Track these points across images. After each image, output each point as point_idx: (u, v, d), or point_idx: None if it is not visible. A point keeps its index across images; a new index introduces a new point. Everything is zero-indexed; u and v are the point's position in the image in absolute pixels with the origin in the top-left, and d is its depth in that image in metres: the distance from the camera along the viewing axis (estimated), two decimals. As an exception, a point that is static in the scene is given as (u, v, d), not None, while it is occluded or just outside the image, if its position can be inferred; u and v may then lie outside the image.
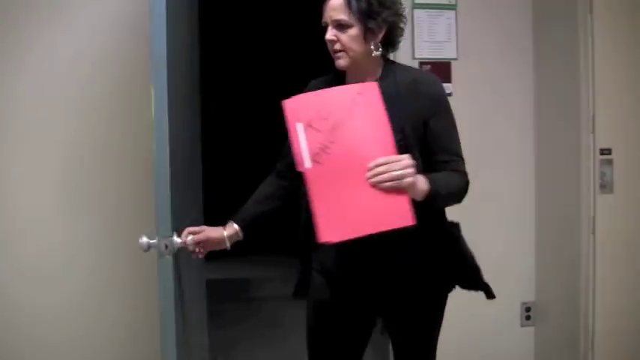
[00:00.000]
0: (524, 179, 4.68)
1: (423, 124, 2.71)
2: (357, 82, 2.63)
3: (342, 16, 2.71)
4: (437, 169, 2.68)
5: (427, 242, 2.78)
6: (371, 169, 2.39)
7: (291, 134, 2.44)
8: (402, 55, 4.20)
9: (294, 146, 2.44)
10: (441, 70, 4.41)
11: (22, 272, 4.07)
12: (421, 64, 4.38)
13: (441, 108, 2.76)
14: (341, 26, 2.71)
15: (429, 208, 2.57)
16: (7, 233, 4.03)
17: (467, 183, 2.73)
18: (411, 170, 2.41)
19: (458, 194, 2.71)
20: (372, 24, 2.70)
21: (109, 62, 4.04)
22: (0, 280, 4.05)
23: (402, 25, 2.81)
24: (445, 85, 4.40)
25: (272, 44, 8.89)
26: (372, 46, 2.74)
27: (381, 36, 2.75)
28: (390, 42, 2.81)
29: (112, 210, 4.10)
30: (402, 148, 2.51)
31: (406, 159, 2.41)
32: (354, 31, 2.71)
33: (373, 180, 2.38)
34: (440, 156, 2.72)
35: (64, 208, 4.10)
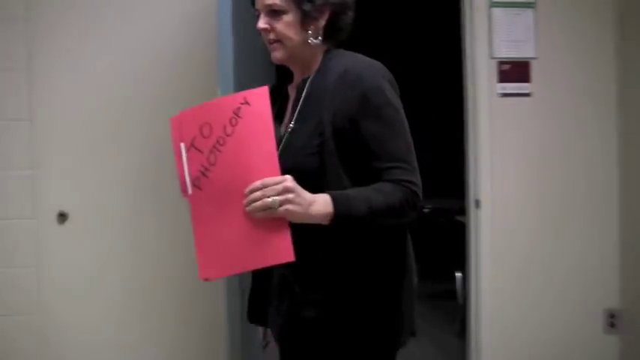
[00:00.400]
0: (605, 179, 4.54)
1: (352, 124, 2.19)
2: (299, 78, 2.37)
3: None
4: (379, 179, 2.15)
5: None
6: (246, 195, 2.03)
7: (175, 156, 2.12)
8: (479, 54, 4.13)
9: (178, 170, 2.12)
10: (520, 69, 4.33)
11: (85, 275, 4.14)
12: (500, 63, 4.30)
13: (372, 105, 2.20)
14: (274, 12, 2.32)
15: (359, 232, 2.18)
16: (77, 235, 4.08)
17: (408, 195, 2.14)
18: (289, 195, 2.03)
19: (389, 211, 2.13)
20: (309, 7, 2.30)
21: (182, 63, 4.06)
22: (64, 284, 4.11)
23: (349, 11, 2.38)
24: (522, 84, 4.36)
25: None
26: (309, 33, 2.32)
27: (323, 22, 2.34)
28: (334, 28, 2.37)
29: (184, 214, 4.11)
30: (315, 157, 2.19)
31: (285, 181, 2.03)
32: (289, 17, 2.32)
33: (248, 208, 2.02)
34: (376, 163, 2.17)
35: (137, 210, 4.14)
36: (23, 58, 4.06)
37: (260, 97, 2.07)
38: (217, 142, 2.08)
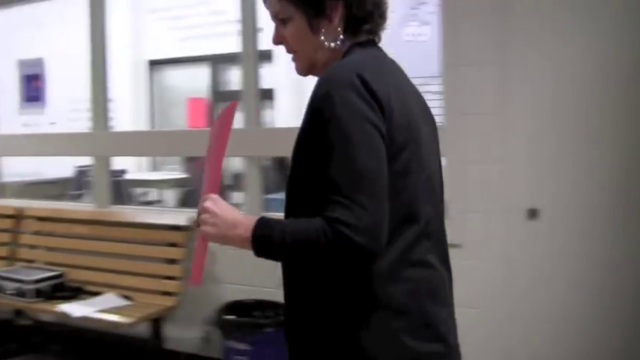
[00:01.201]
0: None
1: (308, 142, 1.86)
2: None
3: (277, 6, 2.04)
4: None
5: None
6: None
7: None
8: None
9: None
10: None
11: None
12: None
13: (316, 117, 1.82)
14: (282, 21, 2.05)
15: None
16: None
17: (325, 238, 1.70)
18: (204, 215, 1.91)
19: (301, 247, 1.75)
20: (314, 6, 1.99)
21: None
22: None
23: None
24: None
25: None
26: (321, 37, 2.01)
27: (336, 19, 2.00)
28: (352, 21, 2.01)
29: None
30: (287, 182, 1.95)
31: (204, 201, 1.93)
32: (296, 22, 2.02)
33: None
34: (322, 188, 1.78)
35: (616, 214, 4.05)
36: (495, 52, 4.19)
37: (228, 112, 2.05)
38: (207, 152, 2.08)
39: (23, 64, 6.83)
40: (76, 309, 5.03)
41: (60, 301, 5.22)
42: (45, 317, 5.89)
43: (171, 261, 5.29)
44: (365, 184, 1.73)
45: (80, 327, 5.53)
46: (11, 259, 6.09)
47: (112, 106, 6.08)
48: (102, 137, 6.00)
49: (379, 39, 2.10)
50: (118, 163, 8.08)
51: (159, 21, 10.17)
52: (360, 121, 1.77)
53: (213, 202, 1.93)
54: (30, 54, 7.04)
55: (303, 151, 1.88)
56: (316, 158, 1.80)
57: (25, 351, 5.88)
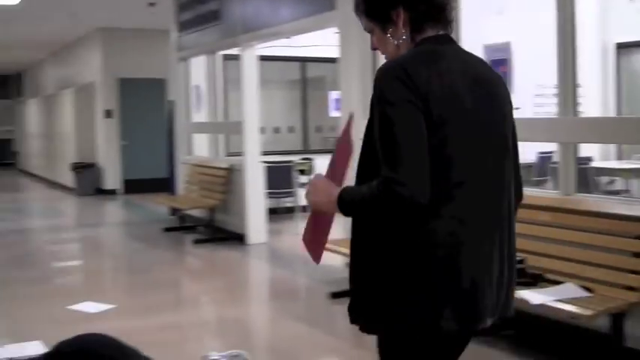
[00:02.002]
0: None
1: (371, 121, 2.50)
2: None
3: (364, 23, 2.71)
4: None
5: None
6: None
7: None
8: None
9: None
10: None
11: None
12: None
13: (373, 100, 2.48)
14: (370, 33, 2.70)
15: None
16: None
17: (378, 191, 2.36)
18: (308, 187, 2.61)
19: (364, 203, 2.43)
20: (380, 15, 2.63)
21: None
22: None
23: None
24: None
25: None
26: (388, 36, 2.63)
27: (400, 22, 2.59)
28: (414, 20, 2.59)
29: None
30: (361, 154, 2.56)
31: (312, 179, 2.65)
32: (376, 32, 2.67)
33: None
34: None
35: None
36: None
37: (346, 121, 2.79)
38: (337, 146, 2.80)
39: (489, 49, 6.90)
40: (534, 296, 4.97)
41: (520, 287, 5.19)
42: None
43: (638, 254, 5.00)
44: (404, 150, 2.35)
45: (536, 315, 5.46)
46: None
47: (579, 91, 5.91)
48: (568, 123, 5.85)
49: (448, 29, 2.62)
50: (584, 150, 7.92)
51: (627, 2, 9.79)
52: (398, 102, 2.39)
53: (317, 179, 2.64)
54: (496, 39, 7.09)
55: (369, 129, 2.50)
56: (374, 134, 2.44)
57: (482, 333, 5.91)
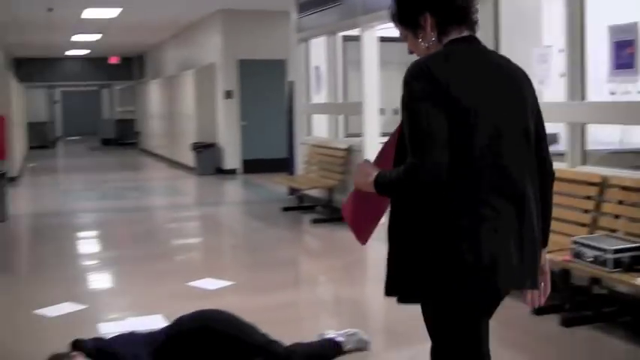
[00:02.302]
0: None
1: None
2: None
3: (399, 30, 3.08)
4: None
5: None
6: None
7: None
8: None
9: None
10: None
11: None
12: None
13: (401, 97, 2.82)
14: (405, 39, 3.07)
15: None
16: None
17: (405, 174, 2.75)
18: (355, 169, 3.03)
19: (393, 185, 2.82)
20: (410, 21, 2.99)
21: None
22: None
23: (444, 3, 2.91)
24: None
25: None
26: (420, 41, 2.99)
27: (428, 27, 2.94)
28: (440, 23, 2.93)
29: None
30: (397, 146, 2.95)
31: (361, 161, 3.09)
32: (410, 37, 3.03)
33: None
34: None
35: None
36: None
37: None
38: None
39: (615, 30, 6.72)
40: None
41: (638, 273, 5.09)
42: (621, 288, 5.79)
43: None
44: (426, 139, 2.71)
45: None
46: (593, 226, 6.08)
47: None
48: None
49: (474, 29, 2.97)
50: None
51: None
52: (421, 97, 2.76)
53: (363, 163, 3.04)
54: (622, 19, 6.89)
55: (402, 124, 2.86)
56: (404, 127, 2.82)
57: (597, 319, 5.83)
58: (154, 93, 27.02)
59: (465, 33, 2.95)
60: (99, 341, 4.92)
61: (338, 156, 11.39)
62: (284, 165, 14.36)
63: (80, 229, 11.98)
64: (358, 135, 11.11)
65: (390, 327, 6.23)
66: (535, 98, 3.00)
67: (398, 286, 2.93)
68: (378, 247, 9.23)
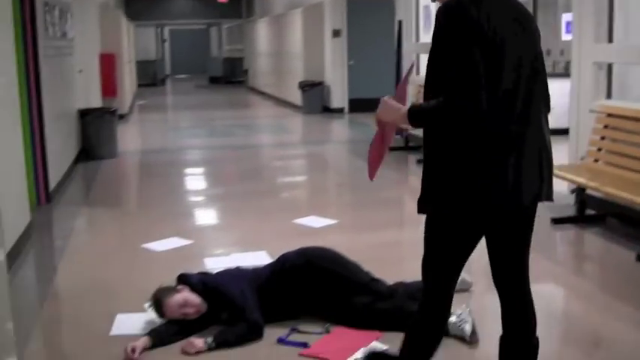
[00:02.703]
0: None
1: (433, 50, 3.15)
2: None
3: None
4: None
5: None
6: None
7: None
8: None
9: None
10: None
11: None
12: None
13: (434, 34, 3.11)
14: None
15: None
16: None
17: (443, 103, 2.99)
18: (381, 105, 3.31)
19: (431, 112, 3.06)
20: None
21: None
22: None
23: None
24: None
25: None
26: None
27: None
28: None
29: None
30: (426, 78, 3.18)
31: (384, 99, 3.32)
32: None
33: None
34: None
35: None
36: None
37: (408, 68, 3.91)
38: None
39: None
40: None
41: None
42: None
43: None
44: (461, 75, 2.96)
45: None
46: None
47: None
48: None
49: None
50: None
51: None
52: (456, 35, 3.00)
53: (386, 99, 3.30)
54: None
55: (430, 59, 3.15)
56: (439, 60, 3.09)
57: None
58: (262, 31, 27.12)
59: None
60: (204, 276, 5.00)
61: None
62: (390, 104, 14.25)
63: (188, 165, 12.17)
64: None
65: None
66: (539, 41, 3.27)
67: (429, 204, 3.29)
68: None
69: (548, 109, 3.34)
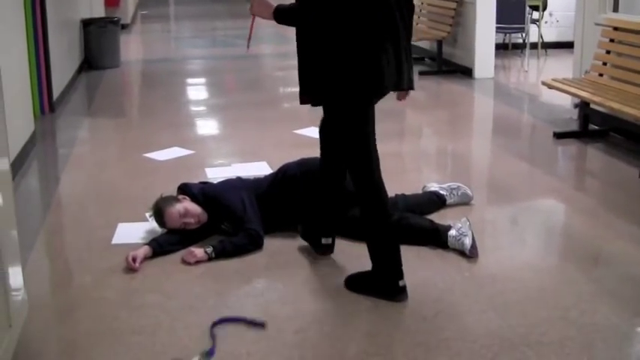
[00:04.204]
0: None
1: None
2: None
3: None
4: None
5: None
6: None
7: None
8: None
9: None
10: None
11: None
12: None
13: None
14: None
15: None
16: None
17: (298, 8, 3.89)
18: (252, 2, 4.07)
19: (287, 11, 3.92)
20: None
21: None
22: None
23: None
24: None
25: None
26: None
27: None
28: None
29: None
30: None
31: None
32: None
33: None
34: None
35: None
36: None
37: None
38: None
39: None
40: None
41: None
42: None
43: None
44: None
45: None
46: None
47: None
48: None
49: None
50: None
51: None
52: None
53: None
54: None
55: None
56: None
57: None
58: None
59: None
60: (205, 186, 5.02)
61: (449, 7, 11.09)
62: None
63: (189, 75, 12.11)
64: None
65: (493, 183, 6.18)
66: None
67: (310, 95, 3.98)
68: (485, 100, 9.15)
69: (412, 9, 4.09)
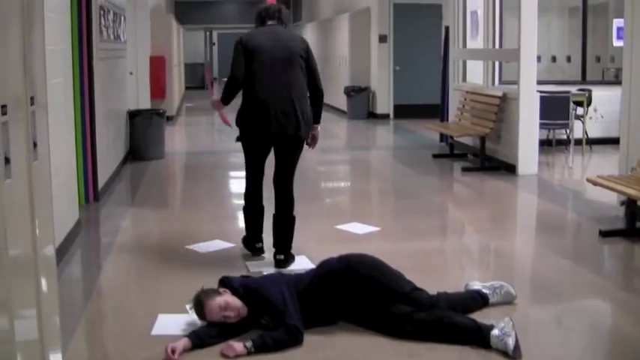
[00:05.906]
0: None
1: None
2: None
3: None
4: None
5: None
6: None
7: None
8: None
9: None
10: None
11: None
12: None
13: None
14: None
15: None
16: None
17: (227, 82, 6.47)
18: (211, 100, 6.85)
19: (225, 89, 6.37)
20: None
21: None
22: None
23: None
24: None
25: None
26: None
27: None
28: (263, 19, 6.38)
29: None
30: None
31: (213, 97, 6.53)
32: None
33: None
34: None
35: None
36: None
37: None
38: None
39: None
40: None
41: None
42: None
43: None
44: (232, 66, 6.18)
45: None
46: None
47: None
48: None
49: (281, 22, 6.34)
50: None
51: None
52: (235, 54, 6.17)
53: (213, 98, 6.54)
54: None
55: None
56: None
57: None
58: (309, 36, 27.12)
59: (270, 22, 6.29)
60: (246, 279, 5.01)
61: (492, 103, 11.15)
62: (436, 111, 14.20)
63: (232, 168, 12.19)
64: (512, 82, 10.86)
65: (537, 282, 6.08)
66: (302, 53, 6.18)
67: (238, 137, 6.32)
68: (528, 197, 9.13)
69: (319, 93, 6.45)
